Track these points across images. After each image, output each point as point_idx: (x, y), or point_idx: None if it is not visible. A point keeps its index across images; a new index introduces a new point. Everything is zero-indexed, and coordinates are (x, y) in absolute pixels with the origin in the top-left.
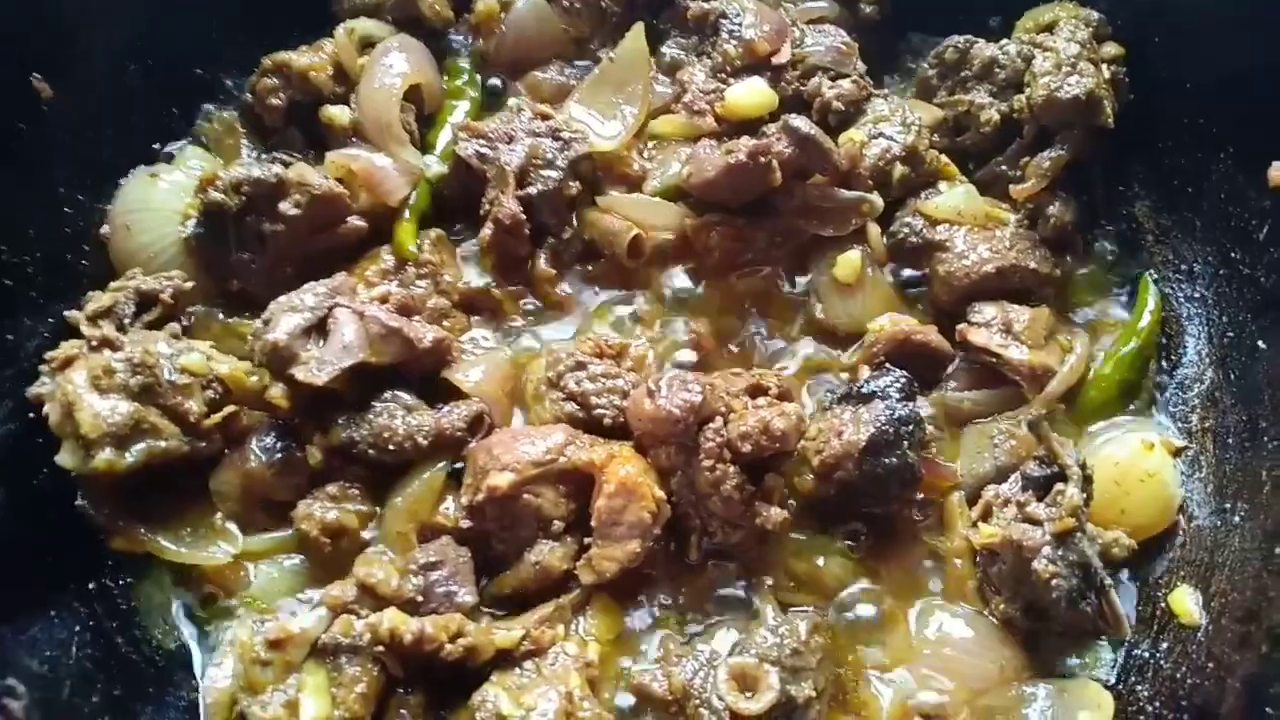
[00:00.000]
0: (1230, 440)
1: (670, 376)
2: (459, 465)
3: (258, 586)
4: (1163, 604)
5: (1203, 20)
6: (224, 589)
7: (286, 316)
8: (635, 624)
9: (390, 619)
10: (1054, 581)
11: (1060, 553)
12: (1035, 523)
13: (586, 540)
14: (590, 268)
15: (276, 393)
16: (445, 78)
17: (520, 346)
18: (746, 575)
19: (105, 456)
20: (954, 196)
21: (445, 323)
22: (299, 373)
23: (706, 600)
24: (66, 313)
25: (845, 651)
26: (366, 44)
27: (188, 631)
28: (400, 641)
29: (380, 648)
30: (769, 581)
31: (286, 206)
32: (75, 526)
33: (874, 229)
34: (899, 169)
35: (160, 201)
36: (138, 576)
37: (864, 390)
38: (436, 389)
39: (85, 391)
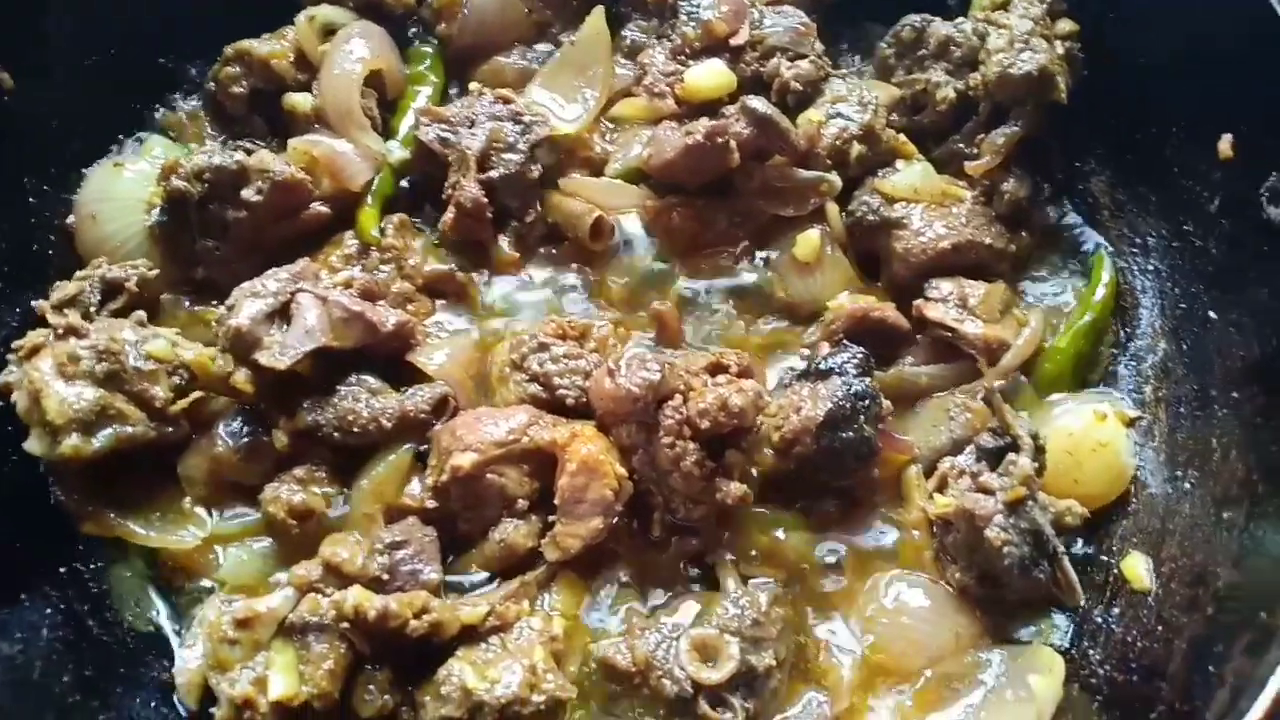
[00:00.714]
0: (1182, 409)
1: (630, 356)
2: (424, 447)
3: (227, 569)
4: (1115, 570)
5: None
6: (193, 572)
7: (249, 302)
8: (599, 598)
9: (355, 596)
10: (1005, 549)
11: (1012, 521)
12: (988, 492)
13: (551, 518)
14: (553, 250)
15: (241, 378)
16: (407, 63)
17: (484, 329)
18: (708, 549)
19: (72, 442)
20: (911, 174)
21: (410, 306)
22: (262, 357)
23: (669, 574)
24: (34, 302)
25: (806, 621)
26: (328, 31)
27: (159, 613)
28: (365, 618)
29: (345, 625)
30: (730, 555)
31: (249, 193)
32: (46, 512)
33: (833, 208)
34: (856, 148)
35: (125, 191)
36: (108, 560)
37: (822, 367)
38: (402, 372)
39: (51, 379)
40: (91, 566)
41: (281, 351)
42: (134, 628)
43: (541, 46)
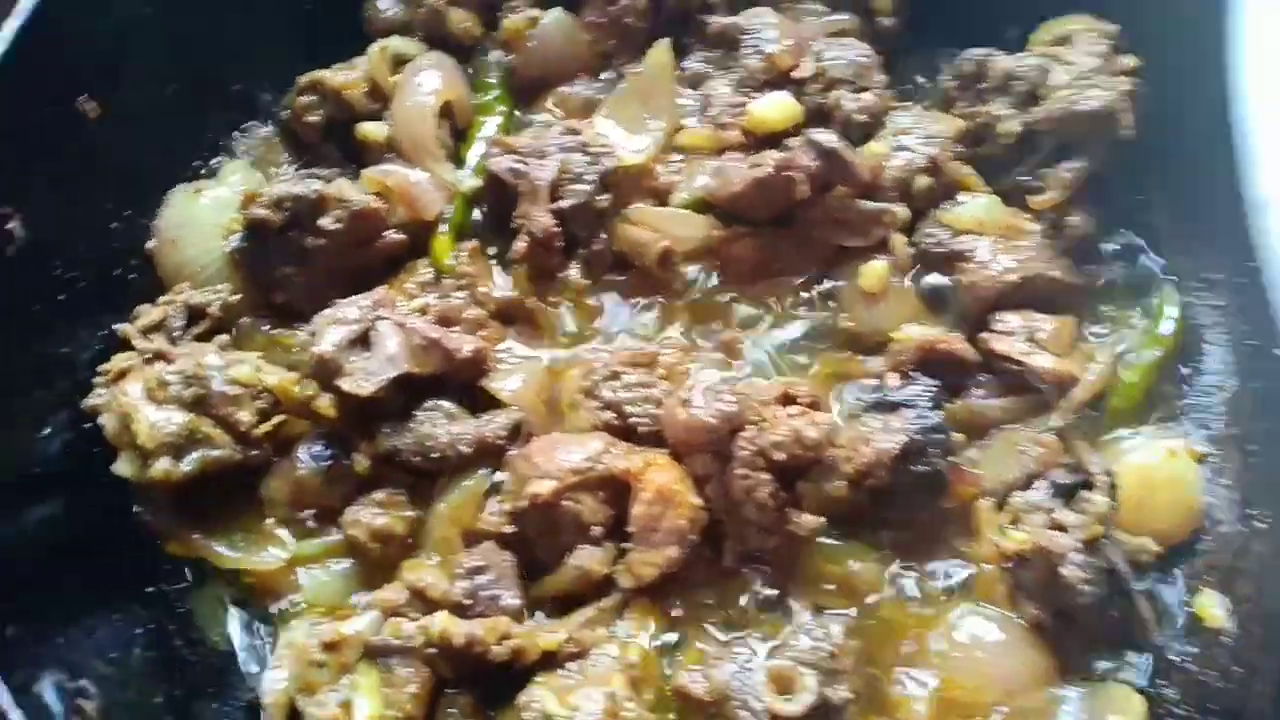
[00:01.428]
0: (1252, 447)
1: (704, 386)
2: (499, 473)
3: (309, 590)
4: (1189, 609)
5: (1216, 31)
6: (275, 593)
7: (332, 329)
8: (673, 627)
9: (441, 622)
10: (1082, 587)
11: (1088, 559)
12: (1063, 529)
13: (624, 545)
14: (622, 278)
15: (324, 403)
16: (474, 93)
17: (555, 356)
18: (781, 580)
19: (162, 466)
20: (976, 207)
21: (482, 333)
22: (345, 384)
23: (742, 604)
24: (118, 326)
25: (880, 654)
26: (399, 61)
27: (241, 635)
28: (451, 643)
29: (432, 649)
30: (803, 586)
31: (327, 222)
32: (132, 532)
33: (899, 239)
34: (922, 180)
35: (204, 216)
36: (193, 581)
37: (893, 399)
38: (475, 398)
39: (141, 403)
40: (176, 587)
41: (365, 378)
42: (217, 648)
43: (606, 76)
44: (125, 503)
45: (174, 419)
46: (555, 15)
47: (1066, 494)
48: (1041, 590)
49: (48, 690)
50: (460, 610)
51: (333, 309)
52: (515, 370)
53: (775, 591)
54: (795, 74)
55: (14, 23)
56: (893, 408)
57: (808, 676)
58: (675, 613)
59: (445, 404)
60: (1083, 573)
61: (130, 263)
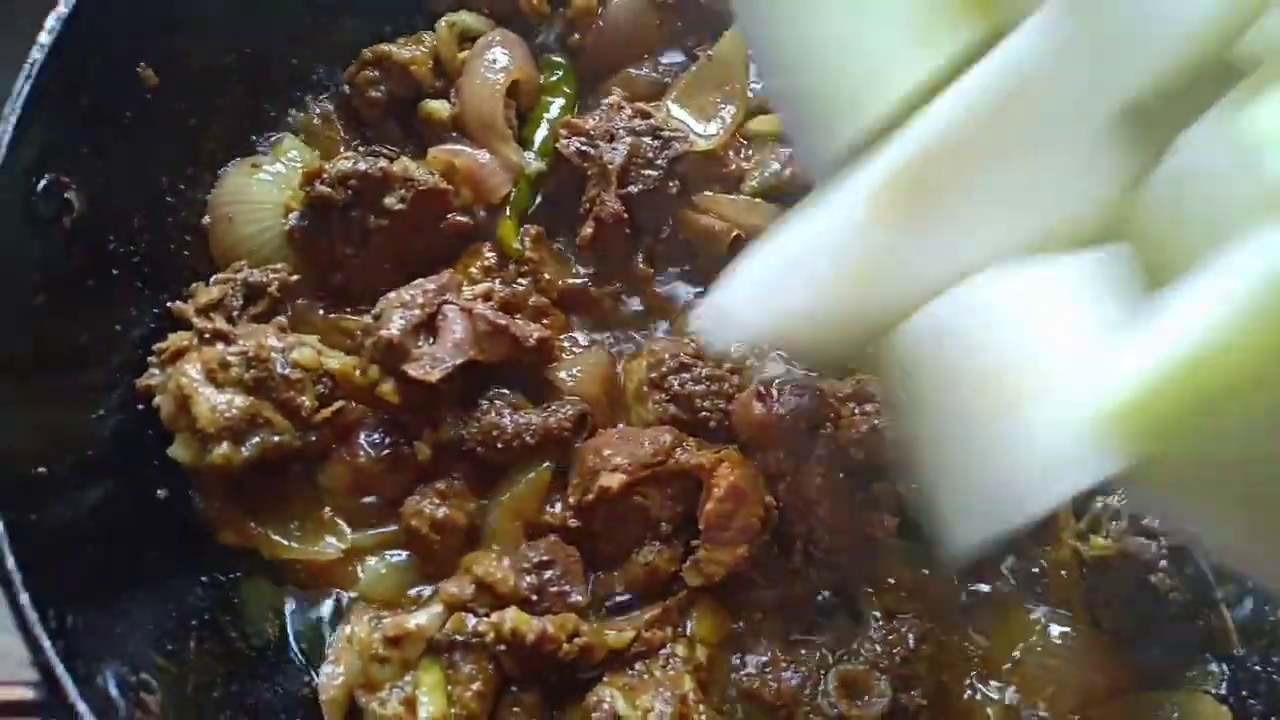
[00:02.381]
0: None
1: (780, 381)
2: (562, 465)
3: (365, 582)
4: (1273, 617)
5: None
6: (332, 585)
7: (398, 313)
8: (740, 628)
9: (513, 618)
10: (1171, 595)
11: (1176, 566)
12: (1150, 536)
13: (693, 542)
14: (688, 267)
15: (387, 389)
16: (540, 73)
17: (619, 346)
18: (852, 582)
19: (222, 451)
20: None
21: (545, 321)
22: (412, 369)
23: (812, 605)
24: (173, 304)
25: (951, 659)
26: (465, 37)
27: (296, 628)
28: (523, 640)
29: (502, 647)
30: (875, 589)
31: (392, 201)
32: (182, 520)
33: None
34: None
35: (261, 193)
36: (246, 571)
37: None
38: (532, 387)
39: (201, 384)
40: (230, 576)
41: (432, 364)
42: (273, 641)
43: (668, 59)
44: (175, 488)
45: (235, 402)
46: None
47: None
48: (1122, 597)
49: (111, 684)
50: (527, 606)
51: (397, 292)
52: (577, 360)
53: (846, 594)
54: None
55: None
56: None
57: (881, 681)
58: (742, 612)
59: (507, 393)
60: (1170, 580)
61: (184, 239)
